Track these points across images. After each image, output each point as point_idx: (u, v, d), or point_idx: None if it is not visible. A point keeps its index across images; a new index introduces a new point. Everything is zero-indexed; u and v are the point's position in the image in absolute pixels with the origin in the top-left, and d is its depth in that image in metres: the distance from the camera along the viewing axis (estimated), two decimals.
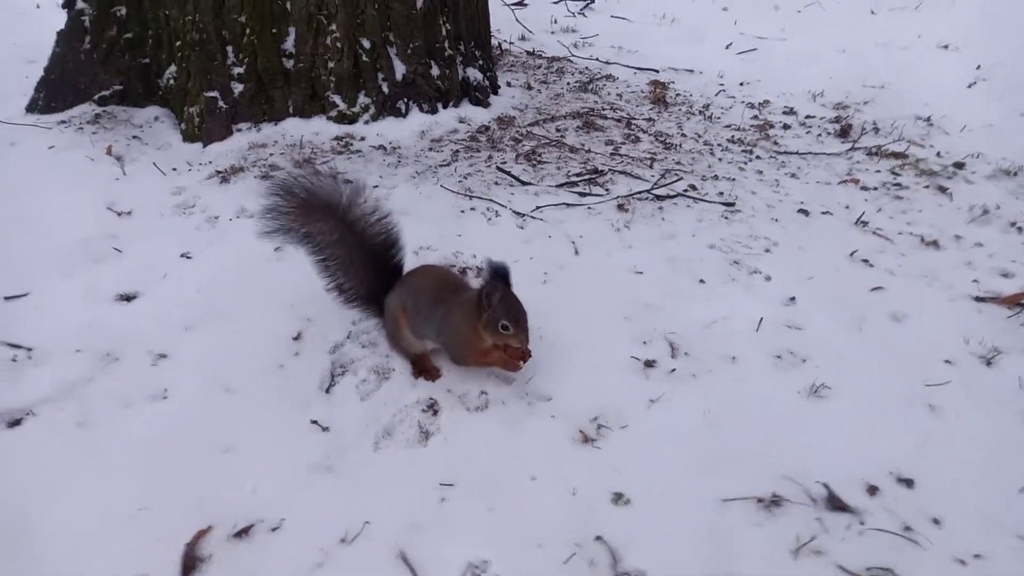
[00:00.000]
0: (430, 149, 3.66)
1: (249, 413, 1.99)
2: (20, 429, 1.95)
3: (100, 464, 1.84)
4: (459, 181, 3.33)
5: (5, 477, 1.80)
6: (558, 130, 3.99)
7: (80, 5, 3.82)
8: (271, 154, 3.50)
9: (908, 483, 1.83)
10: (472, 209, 3.09)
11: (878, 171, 3.69)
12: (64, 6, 3.88)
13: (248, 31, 3.59)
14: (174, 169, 3.36)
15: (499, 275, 1.91)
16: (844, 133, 4.15)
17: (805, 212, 3.20)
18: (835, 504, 1.74)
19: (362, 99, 3.81)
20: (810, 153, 3.87)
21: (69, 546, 1.63)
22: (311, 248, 2.16)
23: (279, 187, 2.08)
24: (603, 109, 4.31)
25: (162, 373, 2.12)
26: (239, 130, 3.68)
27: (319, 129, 3.72)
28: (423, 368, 2.16)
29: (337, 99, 3.78)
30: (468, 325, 1.97)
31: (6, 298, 2.43)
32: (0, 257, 2.61)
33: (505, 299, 1.91)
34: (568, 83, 4.80)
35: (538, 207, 3.10)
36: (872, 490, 1.80)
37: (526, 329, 1.92)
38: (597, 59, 5.34)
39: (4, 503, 1.72)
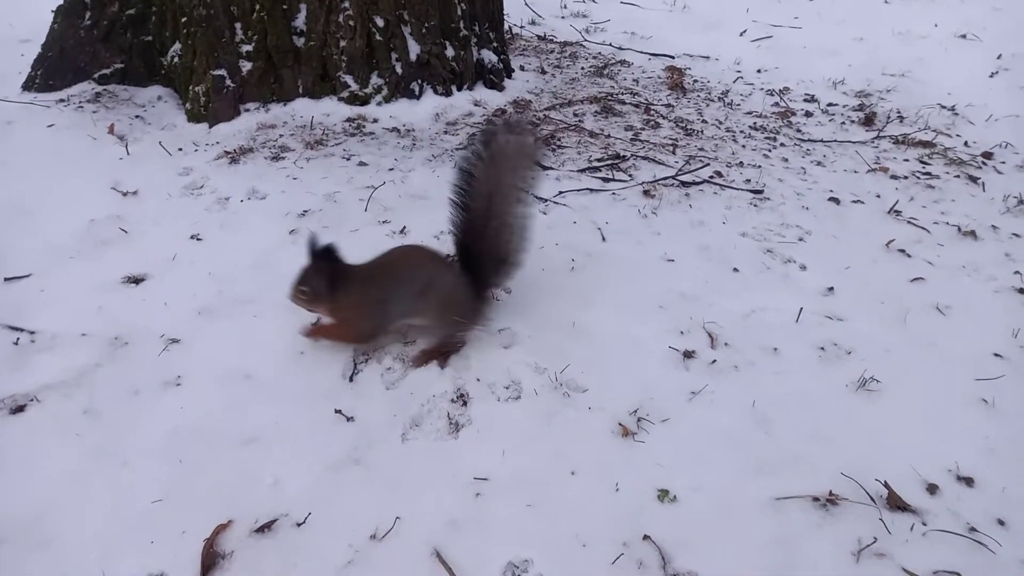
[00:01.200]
0: (445, 132, 3.54)
1: (269, 402, 1.88)
2: (23, 416, 1.83)
3: (110, 454, 1.73)
4: None
5: (9, 468, 1.68)
6: (576, 115, 3.87)
7: None
8: (280, 135, 3.38)
9: (968, 481, 1.74)
10: None
11: (906, 160, 3.59)
12: None
13: (257, 7, 3.45)
14: (180, 149, 3.23)
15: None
16: (868, 121, 4.04)
17: (836, 200, 3.10)
18: (896, 504, 1.64)
19: (375, 80, 3.68)
20: (835, 141, 3.77)
21: (80, 541, 1.52)
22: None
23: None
24: (620, 94, 4.19)
25: (175, 359, 2.01)
26: (247, 110, 3.55)
27: (330, 110, 3.59)
28: None
29: (349, 79, 3.65)
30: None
31: (7, 279, 2.31)
32: (1, 238, 2.48)
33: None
34: (582, 68, 4.67)
35: (561, 192, 2.99)
36: (932, 489, 1.70)
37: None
38: (610, 44, 5.21)
39: (10, 496, 1.61)
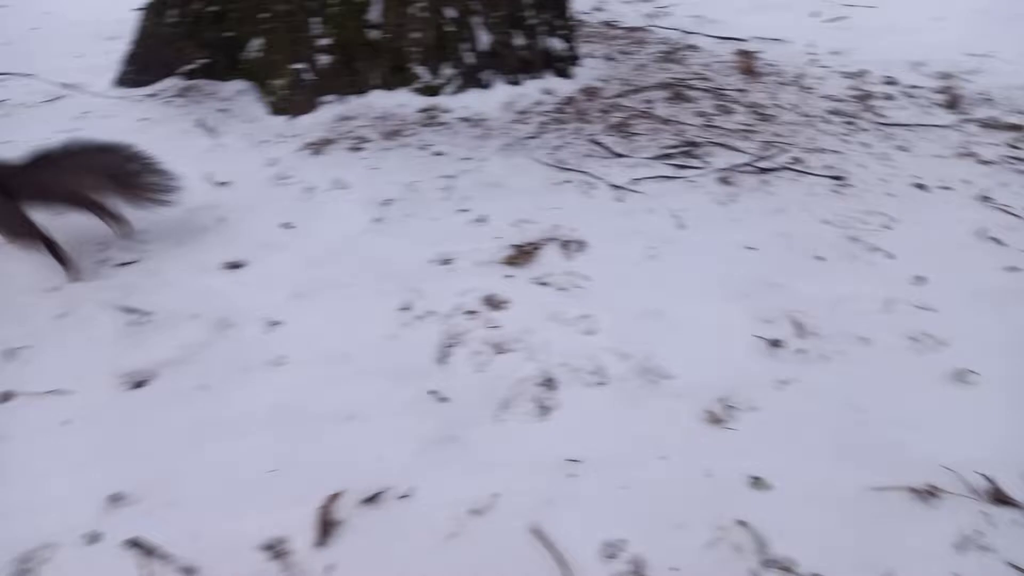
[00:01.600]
0: (516, 121, 3.58)
1: (367, 381, 1.97)
2: (144, 390, 1.97)
3: (225, 426, 1.85)
4: (550, 153, 3.25)
5: (136, 437, 1.83)
6: (646, 101, 3.85)
7: None
8: (358, 126, 3.48)
9: None
10: (567, 182, 3.00)
11: (995, 144, 3.44)
12: None
13: (333, 1, 3.55)
14: (265, 141, 3.37)
15: None
16: (953, 104, 3.88)
17: (921, 187, 3.00)
18: (999, 497, 1.61)
19: (446, 71, 3.74)
20: (919, 125, 3.64)
21: (205, 502, 1.64)
22: None
23: None
24: (690, 80, 4.14)
25: (277, 340, 2.12)
26: (325, 102, 3.67)
27: (404, 101, 3.68)
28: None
29: (421, 71, 3.72)
30: None
31: (117, 264, 2.47)
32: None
33: None
34: (650, 54, 4.63)
35: (635, 179, 2.99)
36: None
37: None
38: (677, 29, 5.14)
39: (141, 461, 1.74)
